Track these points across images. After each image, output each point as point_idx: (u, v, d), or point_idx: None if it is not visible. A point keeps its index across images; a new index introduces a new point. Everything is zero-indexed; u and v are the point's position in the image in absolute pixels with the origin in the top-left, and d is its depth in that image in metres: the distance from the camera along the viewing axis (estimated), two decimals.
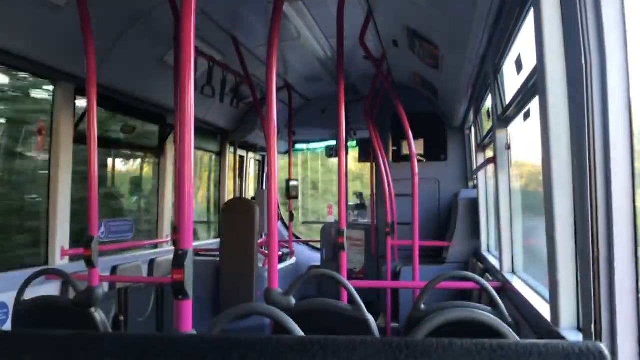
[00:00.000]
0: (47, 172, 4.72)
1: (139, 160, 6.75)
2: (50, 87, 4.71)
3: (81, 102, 4.84)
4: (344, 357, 0.74)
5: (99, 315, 3.44)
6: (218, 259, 6.37)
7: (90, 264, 3.72)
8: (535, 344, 0.76)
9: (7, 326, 3.99)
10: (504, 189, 4.55)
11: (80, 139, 4.80)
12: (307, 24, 5.35)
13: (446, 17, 4.36)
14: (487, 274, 5.03)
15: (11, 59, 4.11)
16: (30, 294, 3.56)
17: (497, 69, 4.30)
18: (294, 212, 8.96)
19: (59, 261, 4.71)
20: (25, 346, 0.78)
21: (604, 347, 0.76)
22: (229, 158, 8.85)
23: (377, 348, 0.74)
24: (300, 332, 1.97)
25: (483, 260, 5.82)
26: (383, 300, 7.18)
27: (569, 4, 2.16)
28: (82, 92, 4.63)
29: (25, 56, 4.21)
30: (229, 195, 8.87)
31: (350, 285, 3.22)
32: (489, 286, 3.06)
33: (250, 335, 0.76)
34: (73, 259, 4.86)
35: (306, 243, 10.35)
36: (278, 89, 7.62)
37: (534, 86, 3.00)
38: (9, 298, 3.79)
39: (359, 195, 9.97)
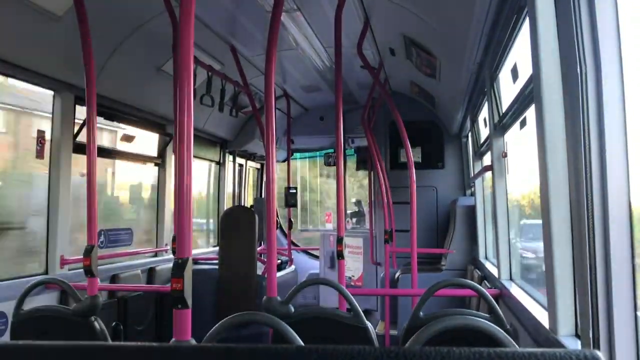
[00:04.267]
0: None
1: (138, 169, 6.75)
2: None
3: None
4: None
5: (98, 324, 3.43)
6: (217, 267, 6.37)
7: (89, 273, 3.72)
8: (533, 353, 0.77)
9: (6, 336, 3.98)
10: (501, 196, 4.57)
11: (80, 148, 4.81)
12: (305, 34, 5.38)
13: (443, 26, 4.39)
14: (485, 281, 5.03)
15: (10, 68, 4.12)
16: (29, 303, 3.56)
17: (494, 78, 4.33)
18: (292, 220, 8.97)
19: (59, 270, 4.71)
20: (22, 358, 0.79)
21: (601, 355, 0.77)
22: (228, 167, 8.87)
23: (374, 357, 0.75)
24: (299, 341, 1.97)
25: (481, 267, 5.82)
26: (382, 308, 7.17)
27: (564, 13, 2.18)
28: (81, 101, 4.64)
29: (24, 66, 4.22)
30: (228, 203, 8.87)
31: (348, 292, 3.22)
32: (487, 293, 3.07)
33: (247, 345, 0.77)
34: (73, 267, 4.86)
35: (305, 251, 10.34)
36: (276, 98, 7.65)
37: (530, 94, 3.02)
38: (8, 307, 3.78)
39: (358, 203, 9.98)
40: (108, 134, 6.28)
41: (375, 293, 7.74)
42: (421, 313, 2.90)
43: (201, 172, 8.45)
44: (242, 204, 9.47)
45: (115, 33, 4.79)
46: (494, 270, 4.92)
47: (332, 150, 9.78)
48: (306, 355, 0.75)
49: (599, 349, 1.94)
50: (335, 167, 4.58)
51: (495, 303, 2.93)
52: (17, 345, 0.82)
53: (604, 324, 1.92)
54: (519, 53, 3.44)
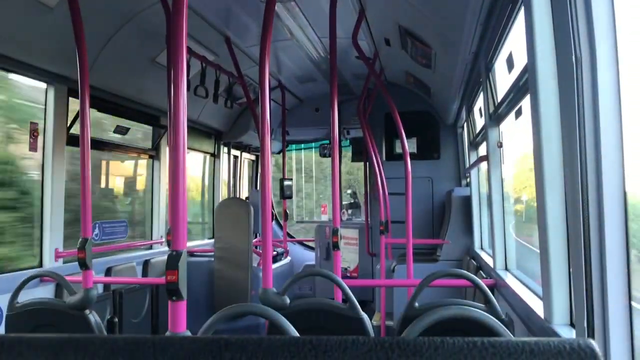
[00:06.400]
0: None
1: (132, 161, 6.73)
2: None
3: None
4: (335, 357, 0.74)
5: (93, 317, 3.43)
6: (212, 259, 6.37)
7: (84, 266, 3.71)
8: (526, 342, 0.76)
9: (1, 329, 3.98)
10: (497, 186, 4.57)
11: (73, 140, 4.78)
12: (300, 24, 5.35)
13: (438, 16, 4.37)
14: (481, 272, 5.05)
15: (1, 60, 4.09)
16: (24, 296, 3.55)
17: (489, 68, 4.32)
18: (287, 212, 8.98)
19: (53, 263, 4.70)
20: (16, 350, 0.78)
21: (595, 343, 0.77)
22: (223, 158, 8.85)
23: (368, 347, 0.74)
24: (294, 332, 1.97)
25: (476, 257, 5.84)
26: (378, 299, 7.19)
27: (559, 3, 2.17)
28: (74, 93, 4.61)
29: (17, 58, 4.19)
30: (222, 195, 8.86)
31: (344, 283, 3.22)
32: (482, 283, 3.07)
33: (241, 336, 0.76)
34: (67, 260, 4.85)
35: (301, 242, 10.35)
36: (271, 89, 7.62)
37: (525, 84, 3.02)
38: (3, 300, 3.77)
39: (353, 194, 9.98)
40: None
41: (371, 284, 7.76)
42: (416, 303, 2.90)
43: (196, 164, 8.43)
44: (238, 196, 9.46)
45: (108, 24, 4.75)
46: (489, 261, 4.94)
47: (327, 142, 9.77)
48: (299, 346, 0.75)
49: (593, 337, 1.94)
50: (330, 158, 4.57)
51: (490, 293, 2.94)
52: (11, 337, 0.81)
53: (599, 313, 1.93)
54: (515, 43, 3.43)
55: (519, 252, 4.43)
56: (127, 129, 6.08)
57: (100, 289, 5.11)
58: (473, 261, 5.84)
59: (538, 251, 2.71)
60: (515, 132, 4.19)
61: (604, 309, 1.91)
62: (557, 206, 2.38)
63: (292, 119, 9.04)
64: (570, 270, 2.33)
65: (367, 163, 8.50)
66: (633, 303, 1.90)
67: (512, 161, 4.59)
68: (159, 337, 0.79)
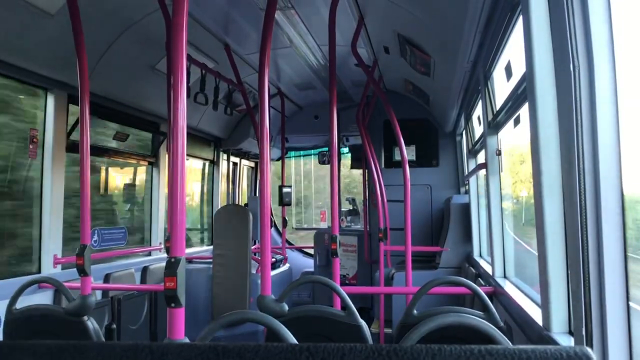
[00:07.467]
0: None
1: (132, 168, 6.73)
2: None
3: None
4: None
5: (91, 324, 3.42)
6: (211, 266, 6.36)
7: (82, 272, 3.70)
8: (523, 350, 0.77)
9: None
10: (495, 194, 4.58)
11: (73, 147, 4.79)
12: (299, 32, 5.37)
13: (437, 24, 4.39)
14: (480, 279, 5.05)
15: (2, 66, 4.10)
16: (22, 302, 3.54)
17: (488, 76, 4.34)
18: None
19: (52, 269, 4.69)
20: (14, 356, 0.78)
21: (591, 351, 0.77)
22: (222, 165, 8.85)
23: (365, 355, 0.75)
24: (292, 339, 1.97)
25: (475, 265, 5.83)
26: (376, 306, 7.18)
27: (558, 12, 2.19)
28: (74, 100, 4.62)
29: (17, 64, 4.20)
30: (222, 202, 8.86)
31: (343, 291, 3.22)
32: (480, 291, 3.07)
33: (238, 343, 0.77)
34: (66, 266, 4.84)
35: (299, 249, 10.34)
36: (271, 96, 7.64)
37: (524, 92, 3.03)
38: (1, 307, 3.77)
39: (352, 201, 9.99)
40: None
41: (369, 291, 7.74)
42: (415, 311, 2.90)
43: (195, 170, 8.43)
44: (237, 203, 9.46)
45: (108, 31, 4.76)
46: (488, 268, 4.93)
47: (326, 149, 9.78)
48: (297, 354, 0.75)
49: (591, 345, 1.94)
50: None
51: (489, 301, 2.93)
52: (9, 344, 0.81)
53: (597, 321, 1.93)
54: (513, 51, 3.45)
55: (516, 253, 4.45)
56: (127, 136, 6.09)
57: (98, 295, 5.10)
58: (472, 269, 5.83)
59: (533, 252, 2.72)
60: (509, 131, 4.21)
61: (602, 316, 1.91)
62: (556, 214, 2.38)
63: (291, 126, 9.07)
64: (569, 278, 2.33)
65: (366, 170, 8.51)
66: (632, 303, 1.90)
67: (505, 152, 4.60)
68: (157, 344, 0.79)
